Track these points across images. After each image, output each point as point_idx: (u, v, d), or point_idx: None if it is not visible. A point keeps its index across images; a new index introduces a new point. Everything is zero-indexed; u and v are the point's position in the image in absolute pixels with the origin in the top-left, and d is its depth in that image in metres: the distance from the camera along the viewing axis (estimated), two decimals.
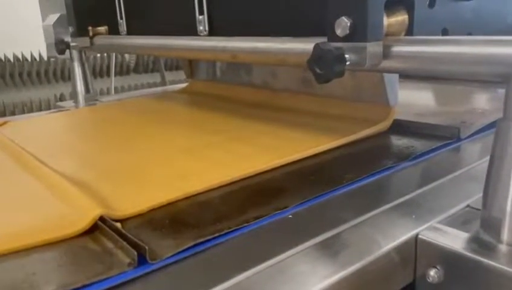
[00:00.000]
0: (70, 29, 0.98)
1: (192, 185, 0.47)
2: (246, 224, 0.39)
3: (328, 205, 0.44)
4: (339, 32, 0.42)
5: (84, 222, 0.39)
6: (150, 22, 0.88)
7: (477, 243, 0.37)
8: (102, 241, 0.38)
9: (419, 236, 0.39)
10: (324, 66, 0.40)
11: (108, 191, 0.47)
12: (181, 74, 2.46)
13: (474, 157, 0.56)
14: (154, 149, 0.63)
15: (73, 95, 1.14)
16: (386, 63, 0.43)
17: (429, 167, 0.53)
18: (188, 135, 0.70)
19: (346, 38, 0.42)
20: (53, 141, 0.74)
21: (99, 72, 2.11)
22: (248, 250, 0.37)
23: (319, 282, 0.33)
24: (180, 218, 0.42)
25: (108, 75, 1.87)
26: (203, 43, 0.68)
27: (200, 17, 0.74)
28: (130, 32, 0.96)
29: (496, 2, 0.56)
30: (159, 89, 1.32)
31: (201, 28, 0.75)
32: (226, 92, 0.96)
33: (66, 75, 1.99)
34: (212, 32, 0.73)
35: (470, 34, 0.53)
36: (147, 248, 0.34)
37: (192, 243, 0.36)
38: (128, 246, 0.35)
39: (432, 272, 0.38)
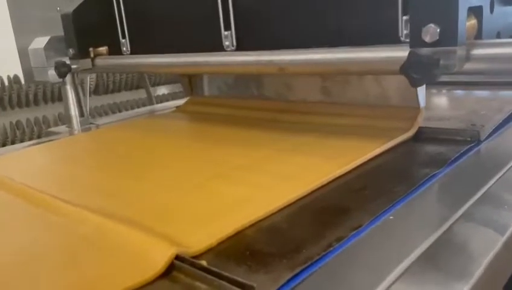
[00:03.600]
0: (71, 51, 0.95)
1: (254, 212, 0.43)
2: (331, 248, 0.37)
3: (400, 215, 0.43)
4: (427, 38, 0.44)
5: (158, 264, 0.36)
6: (160, 40, 0.87)
7: None
8: (186, 282, 0.35)
9: None
10: (421, 71, 0.42)
11: (168, 228, 0.42)
12: (157, 90, 2.44)
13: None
14: (181, 176, 0.58)
15: (67, 119, 1.10)
16: (468, 65, 0.46)
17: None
18: (210, 158, 0.65)
19: (434, 44, 0.44)
20: (67, 176, 0.67)
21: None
22: (346, 276, 0.35)
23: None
24: (258, 248, 0.39)
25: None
26: (247, 58, 0.69)
27: (227, 32, 0.75)
28: (133, 51, 0.94)
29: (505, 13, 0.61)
30: (149, 108, 1.30)
31: (227, 43, 0.76)
32: (236, 106, 0.95)
33: (48, 98, 1.91)
34: (239, 47, 0.74)
35: (499, 33, 0.57)
36: (255, 285, 0.31)
37: (291, 275, 0.33)
38: (229, 285, 0.32)
39: None
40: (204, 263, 0.35)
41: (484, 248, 0.37)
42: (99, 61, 0.96)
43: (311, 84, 0.83)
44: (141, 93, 2.36)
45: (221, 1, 0.73)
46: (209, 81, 1.06)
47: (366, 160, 0.56)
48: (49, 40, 1.04)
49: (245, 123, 0.84)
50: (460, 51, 0.44)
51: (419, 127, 0.66)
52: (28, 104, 1.90)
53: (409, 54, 0.43)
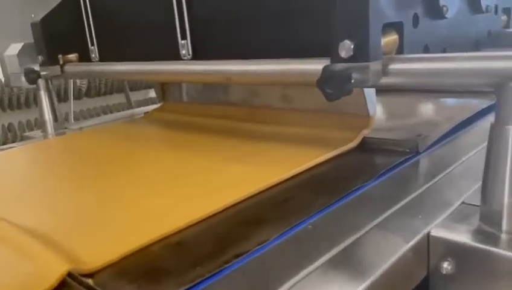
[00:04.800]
0: (40, 58, 0.97)
1: (164, 226, 0.43)
2: (226, 265, 0.37)
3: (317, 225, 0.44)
4: (343, 54, 0.46)
5: (49, 280, 0.35)
6: (125, 47, 0.89)
7: (482, 235, 0.42)
8: None
9: (431, 233, 0.43)
10: (334, 86, 0.43)
11: (72, 242, 0.42)
12: (137, 95, 2.46)
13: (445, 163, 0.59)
14: (117, 188, 0.59)
15: (41, 125, 1.12)
16: (385, 80, 0.47)
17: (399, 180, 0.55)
18: (151, 168, 0.66)
19: (349, 60, 0.46)
20: (11, 183, 0.68)
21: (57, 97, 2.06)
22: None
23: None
24: (157, 265, 0.39)
25: (65, 100, 1.82)
26: (197, 67, 0.71)
27: (183, 41, 0.76)
28: (102, 58, 0.96)
29: (464, 21, 0.62)
30: (129, 112, 1.32)
31: (183, 52, 0.77)
32: (201, 113, 0.97)
33: (21, 103, 1.93)
34: (196, 56, 0.76)
35: (444, 49, 0.59)
36: None
37: None
38: None
39: (445, 264, 0.42)
40: (90, 282, 0.36)
41: (386, 254, 0.39)
42: (68, 68, 0.98)
43: (274, 90, 0.85)
44: (133, 96, 2.38)
45: (178, 10, 0.75)
46: (179, 87, 1.07)
47: (302, 170, 0.57)
48: (23, 46, 1.07)
49: (205, 131, 0.86)
50: (373, 66, 0.46)
51: (364, 137, 0.67)
52: (3, 109, 1.93)
53: (323, 69, 0.44)
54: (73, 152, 0.85)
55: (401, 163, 0.59)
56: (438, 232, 0.43)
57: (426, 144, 0.62)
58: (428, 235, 0.43)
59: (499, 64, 0.40)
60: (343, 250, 0.40)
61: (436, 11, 0.54)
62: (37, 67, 0.98)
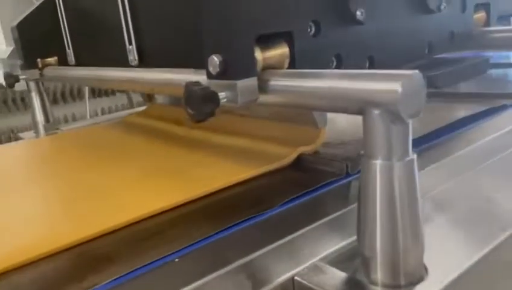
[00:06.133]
0: (19, 62, 0.99)
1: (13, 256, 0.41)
2: None
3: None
4: (211, 70, 0.41)
5: None
6: (92, 52, 0.88)
7: (349, 284, 0.36)
8: None
9: (295, 278, 0.38)
10: (194, 107, 0.39)
11: None
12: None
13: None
14: (38, 198, 0.59)
15: (33, 126, 1.15)
16: (264, 98, 0.42)
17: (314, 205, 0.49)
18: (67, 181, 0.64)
19: (219, 76, 0.41)
20: None
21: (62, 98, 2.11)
22: None
23: None
24: None
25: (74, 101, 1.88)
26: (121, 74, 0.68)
27: (130, 46, 0.74)
28: (78, 62, 0.96)
29: (402, 24, 0.54)
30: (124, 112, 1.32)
31: (131, 57, 0.75)
32: (173, 117, 0.94)
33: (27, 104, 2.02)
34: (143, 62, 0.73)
35: (371, 57, 0.52)
36: None
37: None
38: None
39: None
40: None
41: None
42: (47, 71, 0.99)
43: None
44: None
45: (123, 14, 0.73)
46: None
47: (210, 192, 0.53)
48: (12, 50, 1.09)
49: (160, 138, 0.83)
50: (243, 84, 0.40)
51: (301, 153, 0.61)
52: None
53: (184, 87, 0.40)
54: (38, 156, 0.86)
55: (324, 186, 0.53)
56: (302, 277, 0.38)
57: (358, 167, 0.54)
58: (293, 279, 0.38)
59: (362, 85, 0.34)
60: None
61: (348, 17, 0.47)
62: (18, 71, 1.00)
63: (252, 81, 0.41)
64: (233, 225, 0.45)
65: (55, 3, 0.94)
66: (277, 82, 0.41)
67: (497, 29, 0.72)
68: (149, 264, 0.39)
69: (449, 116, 0.71)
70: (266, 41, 0.43)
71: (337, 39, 0.47)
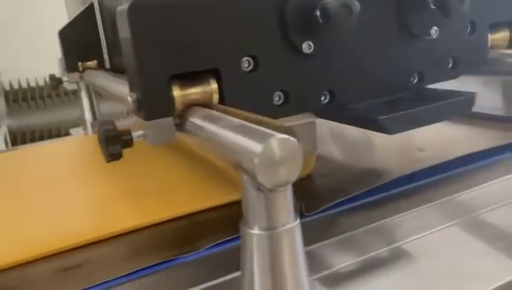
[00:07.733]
0: (62, 65, 1.05)
1: None
2: None
3: None
4: (130, 107, 0.40)
5: None
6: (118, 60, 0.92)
7: None
8: None
9: None
10: (101, 147, 0.39)
11: None
12: None
13: None
14: None
15: (82, 123, 1.23)
16: (184, 136, 0.40)
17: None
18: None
19: (136, 114, 0.40)
20: None
21: None
22: None
23: None
24: None
25: None
26: None
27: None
28: (112, 68, 1.00)
29: (380, 56, 0.48)
30: None
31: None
32: None
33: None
34: None
35: (331, 92, 0.47)
36: None
37: None
38: None
39: None
40: None
41: None
42: (85, 75, 1.04)
43: None
44: None
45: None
46: None
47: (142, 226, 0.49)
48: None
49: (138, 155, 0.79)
50: (154, 124, 0.39)
51: None
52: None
53: (98, 124, 0.39)
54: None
55: None
56: None
57: (315, 208, 0.48)
58: None
59: (234, 141, 0.31)
60: None
61: (293, 51, 0.43)
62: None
63: (166, 121, 0.39)
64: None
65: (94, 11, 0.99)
66: (192, 122, 0.39)
67: None
68: None
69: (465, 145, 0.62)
70: (192, 77, 0.41)
71: (282, 74, 0.44)
